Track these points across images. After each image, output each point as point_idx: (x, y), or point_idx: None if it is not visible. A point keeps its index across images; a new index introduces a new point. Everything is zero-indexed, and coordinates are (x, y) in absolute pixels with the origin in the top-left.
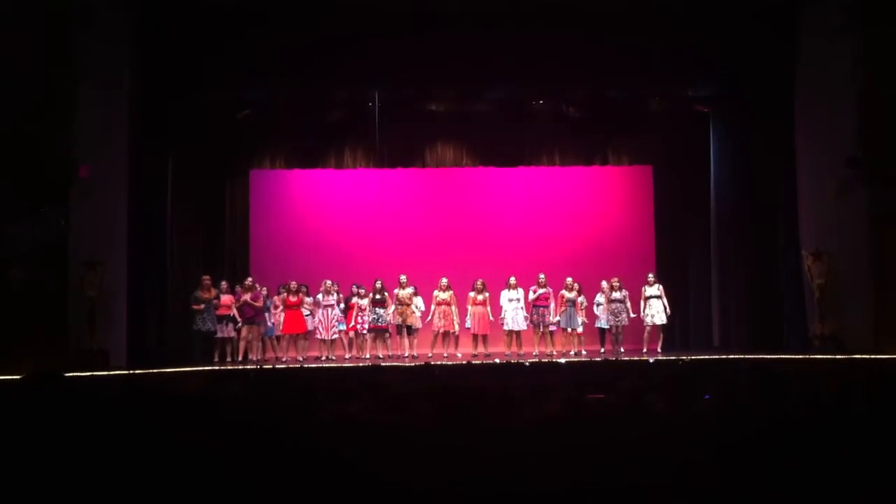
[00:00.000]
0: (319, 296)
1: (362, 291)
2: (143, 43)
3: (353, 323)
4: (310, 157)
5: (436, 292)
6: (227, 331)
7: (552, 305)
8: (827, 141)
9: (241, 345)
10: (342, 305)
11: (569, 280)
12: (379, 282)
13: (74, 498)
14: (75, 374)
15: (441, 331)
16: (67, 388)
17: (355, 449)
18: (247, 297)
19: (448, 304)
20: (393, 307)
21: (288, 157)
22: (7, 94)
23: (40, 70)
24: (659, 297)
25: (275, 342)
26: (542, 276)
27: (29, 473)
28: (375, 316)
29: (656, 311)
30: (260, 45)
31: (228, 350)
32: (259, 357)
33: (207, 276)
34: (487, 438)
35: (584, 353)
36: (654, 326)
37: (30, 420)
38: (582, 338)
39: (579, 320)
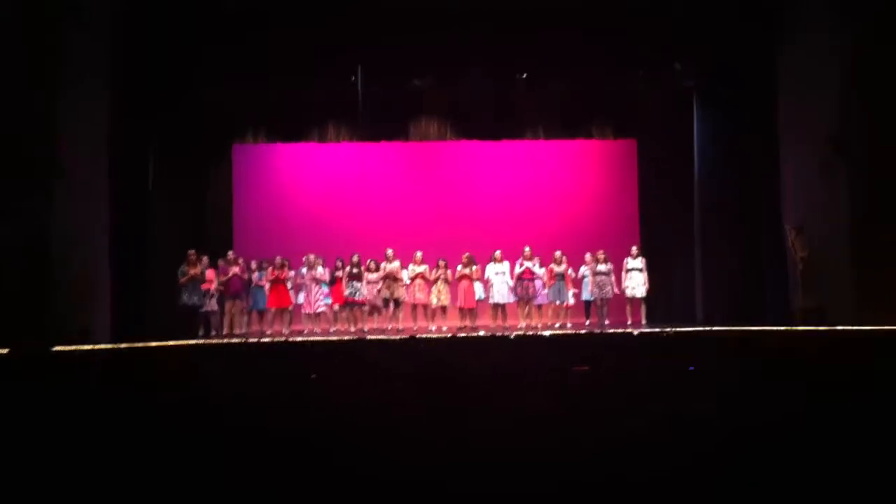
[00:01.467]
0: (304, 270)
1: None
2: (121, 18)
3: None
4: (293, 131)
5: (411, 266)
6: (212, 305)
7: (538, 275)
8: (809, 117)
9: (227, 319)
10: (328, 279)
11: (557, 253)
12: (356, 256)
13: (64, 470)
14: (60, 348)
15: (420, 304)
16: (54, 362)
17: (340, 433)
18: (235, 269)
19: (424, 277)
20: (381, 281)
21: (271, 131)
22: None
23: (20, 49)
24: (640, 269)
25: (260, 316)
26: (527, 248)
27: (18, 446)
28: (353, 290)
29: (636, 284)
30: (242, 19)
31: (213, 324)
32: (244, 331)
33: (193, 251)
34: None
35: (569, 325)
36: (635, 299)
37: (17, 394)
38: (569, 311)
39: (569, 293)
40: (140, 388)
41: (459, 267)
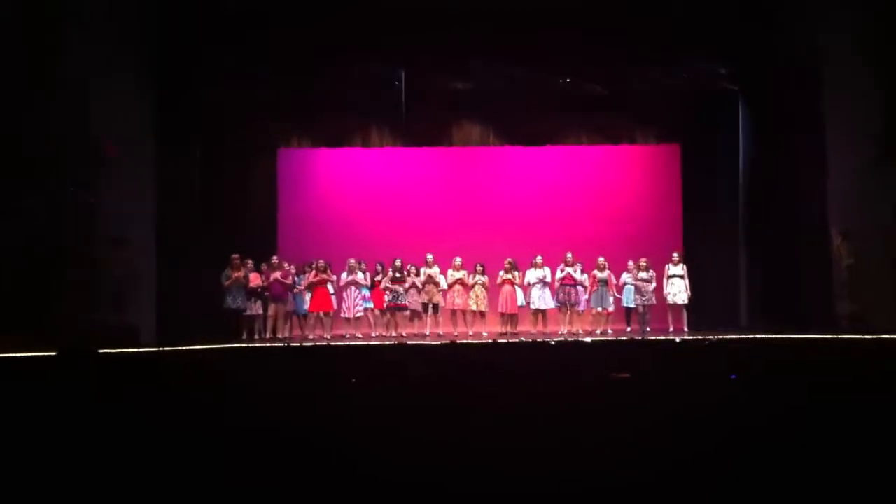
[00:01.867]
0: (344, 274)
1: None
2: (166, 19)
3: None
4: (337, 135)
5: (450, 272)
6: (256, 308)
7: (580, 281)
8: (855, 120)
9: (269, 322)
10: (369, 284)
11: (601, 260)
12: (398, 260)
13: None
14: (105, 350)
15: (458, 310)
16: (99, 363)
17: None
18: (277, 274)
19: (462, 282)
20: (421, 286)
21: (315, 136)
22: (20, 73)
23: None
24: (682, 276)
25: (302, 320)
26: (569, 254)
27: (61, 445)
28: (394, 294)
29: (678, 291)
30: (279, 21)
31: (256, 328)
32: (286, 335)
33: (237, 255)
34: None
35: (610, 332)
36: (677, 306)
37: (63, 393)
38: (610, 317)
39: (611, 300)
40: (176, 391)
41: (501, 272)
